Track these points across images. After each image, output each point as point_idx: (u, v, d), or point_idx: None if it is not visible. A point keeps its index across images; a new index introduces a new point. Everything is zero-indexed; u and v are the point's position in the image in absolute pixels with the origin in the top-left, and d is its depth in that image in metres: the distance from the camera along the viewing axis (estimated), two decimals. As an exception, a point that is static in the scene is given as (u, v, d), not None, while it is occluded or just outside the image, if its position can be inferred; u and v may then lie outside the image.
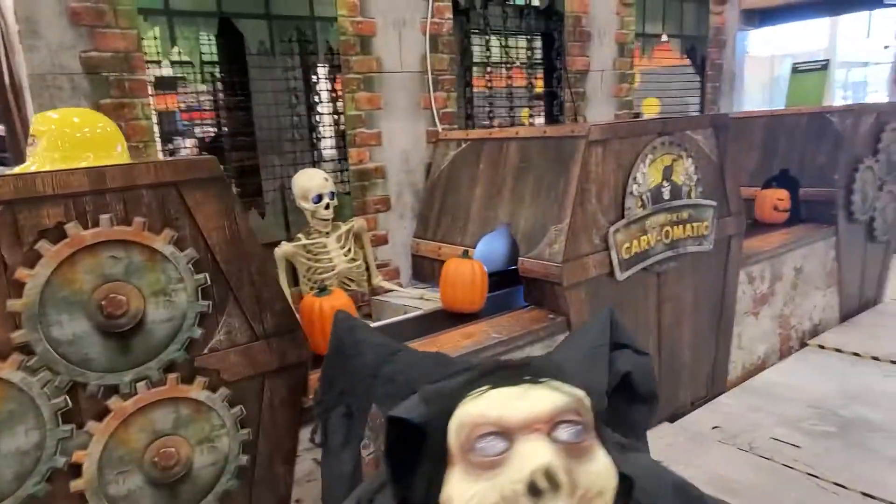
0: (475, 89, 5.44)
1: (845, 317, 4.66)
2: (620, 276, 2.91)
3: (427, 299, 3.19)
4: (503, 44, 5.15)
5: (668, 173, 3.09)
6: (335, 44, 3.09)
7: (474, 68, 5.46)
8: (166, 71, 4.28)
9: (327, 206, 2.95)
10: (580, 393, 0.88)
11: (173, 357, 1.75)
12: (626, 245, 2.93)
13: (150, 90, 2.66)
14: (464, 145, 3.33)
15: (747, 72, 6.44)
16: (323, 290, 2.51)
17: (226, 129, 3.99)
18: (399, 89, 3.31)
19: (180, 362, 1.77)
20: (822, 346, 4.17)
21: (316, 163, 3.70)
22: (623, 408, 1.80)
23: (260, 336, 1.92)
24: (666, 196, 3.10)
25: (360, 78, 3.16)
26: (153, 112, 2.73)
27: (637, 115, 5.58)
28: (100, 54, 2.45)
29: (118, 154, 1.87)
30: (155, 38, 2.91)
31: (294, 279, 3.04)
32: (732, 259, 3.55)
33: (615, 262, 2.88)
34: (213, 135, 4.31)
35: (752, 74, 5.78)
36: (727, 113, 5.17)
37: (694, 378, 3.45)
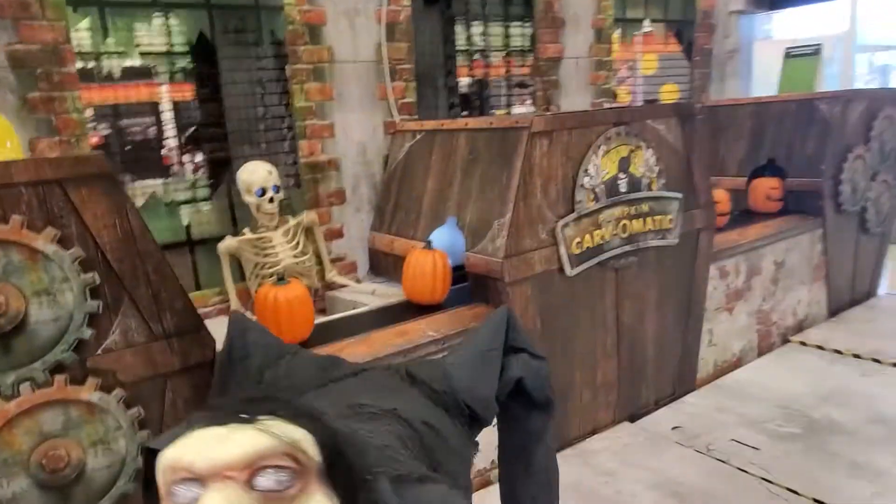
0: (459, 78, 5.37)
1: (834, 312, 4.49)
2: (571, 271, 2.82)
3: (379, 295, 3.13)
4: (485, 31, 5.05)
5: (624, 165, 2.98)
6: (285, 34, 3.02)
7: (458, 57, 5.39)
8: (136, 62, 4.27)
9: (271, 200, 2.90)
10: (297, 435, 0.79)
11: (60, 358, 1.72)
12: (577, 240, 2.83)
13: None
14: (418, 137, 3.25)
15: (764, 57, 6.18)
16: (281, 279, 2.46)
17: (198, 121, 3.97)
18: (353, 79, 3.24)
19: (69, 363, 1.74)
20: (803, 343, 4.03)
21: (288, 153, 3.64)
22: (521, 414, 1.73)
23: (159, 336, 1.88)
24: (623, 189, 2.99)
25: (310, 69, 3.09)
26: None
27: (653, 100, 5.41)
28: (26, 47, 2.42)
29: (7, 150, 1.83)
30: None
31: (242, 274, 3.01)
32: (701, 253, 3.43)
33: (564, 257, 2.79)
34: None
35: (770, 59, 5.50)
36: (692, 101, 5.00)
37: (658, 376, 3.35)
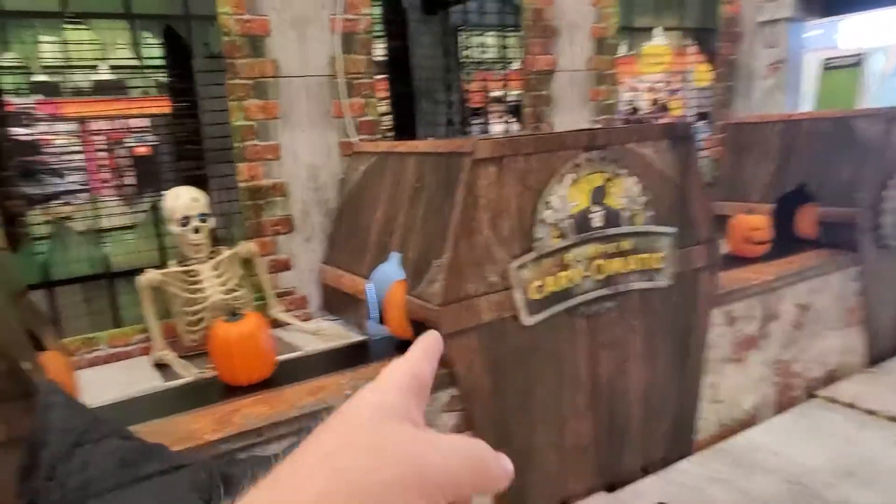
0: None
1: (875, 361, 3.89)
2: (528, 320, 2.41)
3: (322, 336, 2.79)
4: (483, 42, 4.70)
5: (598, 196, 2.55)
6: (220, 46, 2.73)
7: (462, 69, 5.05)
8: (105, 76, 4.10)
9: (197, 230, 2.60)
10: None
11: None
12: (537, 283, 2.42)
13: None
14: (373, 160, 2.90)
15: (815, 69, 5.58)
16: (234, 314, 2.30)
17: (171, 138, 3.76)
18: (302, 96, 2.93)
19: None
20: (832, 400, 3.47)
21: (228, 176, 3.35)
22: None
23: (-23, 404, 1.58)
24: (596, 223, 2.56)
25: (251, 84, 2.79)
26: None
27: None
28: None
29: None
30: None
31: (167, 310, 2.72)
32: (702, 296, 2.95)
33: (520, 303, 2.38)
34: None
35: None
36: (691, 120, 4.47)
37: (646, 438, 2.88)
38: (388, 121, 5.91)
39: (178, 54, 3.37)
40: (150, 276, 2.60)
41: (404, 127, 5.05)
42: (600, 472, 2.76)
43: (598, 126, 3.66)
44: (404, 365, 0.40)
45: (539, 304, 2.44)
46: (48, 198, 4.44)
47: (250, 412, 2.02)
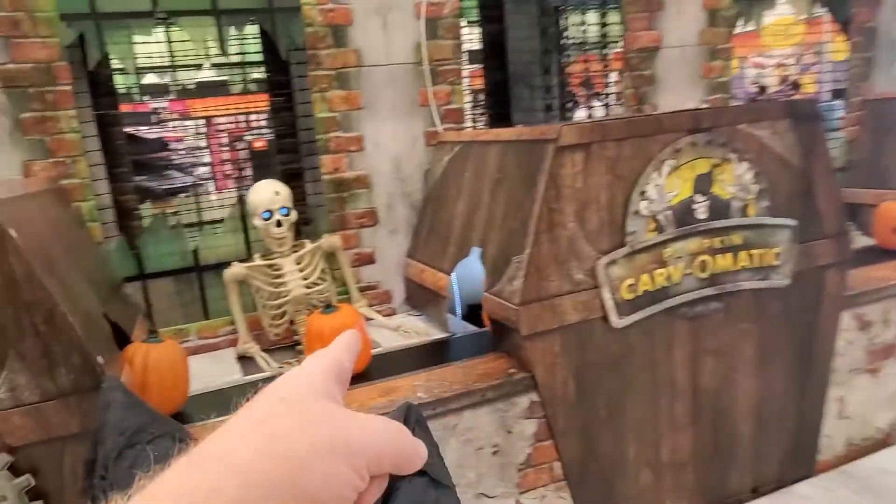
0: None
1: None
2: (619, 321, 2.20)
3: (403, 333, 2.72)
4: (584, 21, 4.43)
5: (703, 184, 2.28)
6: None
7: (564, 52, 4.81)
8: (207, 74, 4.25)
9: (279, 224, 2.60)
10: None
11: (-67, 416, 1.52)
12: (630, 282, 2.20)
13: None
14: (456, 149, 2.78)
15: None
16: (329, 306, 2.24)
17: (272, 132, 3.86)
18: (386, 85, 2.85)
19: (-58, 424, 1.54)
20: None
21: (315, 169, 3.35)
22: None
23: (54, 395, 1.63)
24: (701, 215, 2.29)
25: (333, 75, 2.75)
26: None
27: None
28: (17, 66, 2.33)
29: None
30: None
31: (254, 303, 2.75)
32: (829, 297, 2.59)
33: (609, 303, 2.17)
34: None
35: None
36: (820, 96, 3.90)
37: (758, 456, 2.57)
38: (481, 108, 5.77)
39: (271, 49, 3.41)
40: (235, 269, 2.63)
41: (499, 115, 4.89)
42: (701, 491, 2.49)
43: (705, 106, 3.31)
44: (328, 353, 0.43)
45: (631, 304, 2.22)
46: (160, 192, 4.70)
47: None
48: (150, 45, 3.38)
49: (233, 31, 3.11)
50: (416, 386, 2.10)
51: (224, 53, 2.90)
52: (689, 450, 2.44)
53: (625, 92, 3.36)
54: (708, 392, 2.43)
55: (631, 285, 2.21)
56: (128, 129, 5.98)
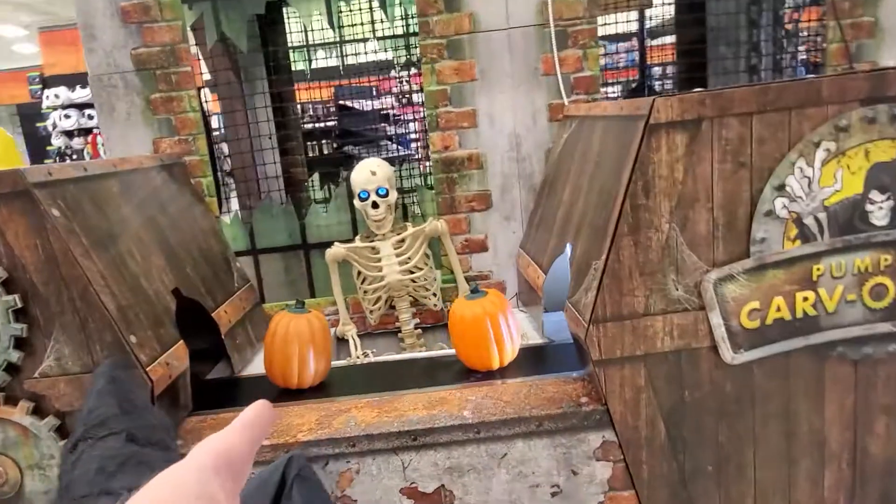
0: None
1: None
2: (735, 356, 1.68)
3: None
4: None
5: (883, 177, 1.61)
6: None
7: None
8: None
9: (375, 205, 2.47)
10: None
11: (-7, 377, 1.69)
12: (753, 306, 1.65)
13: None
14: (573, 126, 2.36)
15: None
16: (476, 291, 2.06)
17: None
18: (503, 52, 2.52)
19: (3, 383, 1.70)
20: None
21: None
22: None
23: (91, 369, 1.70)
24: (880, 220, 1.63)
25: (444, 44, 2.51)
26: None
27: None
28: (148, 49, 2.50)
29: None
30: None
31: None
32: None
33: (719, 331, 1.66)
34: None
35: None
36: None
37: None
38: (672, 72, 5.04)
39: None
40: (336, 249, 2.58)
41: (693, 78, 4.20)
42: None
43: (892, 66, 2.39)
44: (211, 443, 0.39)
45: (755, 335, 1.67)
46: (330, 163, 4.91)
47: (354, 416, 1.82)
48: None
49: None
50: (467, 401, 1.84)
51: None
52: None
53: (829, 46, 2.57)
54: (877, 461, 1.77)
55: (756, 311, 1.66)
56: (342, 102, 6.40)
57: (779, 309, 1.66)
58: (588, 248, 1.82)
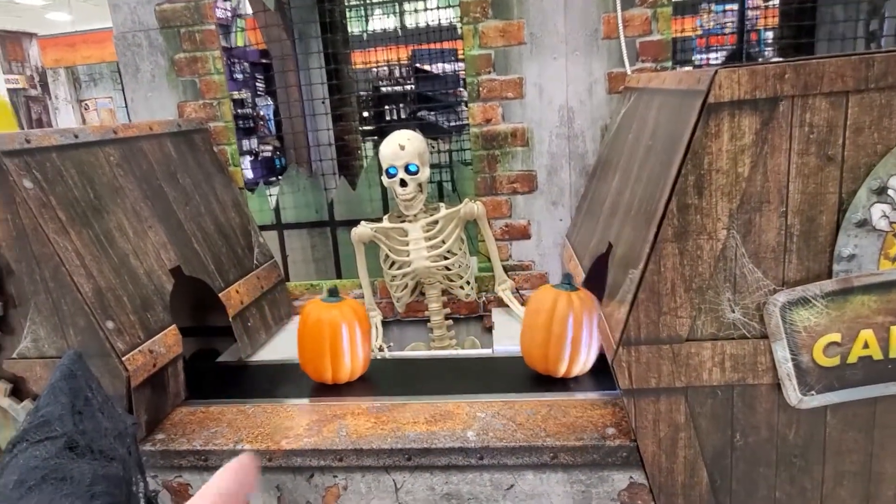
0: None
1: None
2: (801, 398, 1.34)
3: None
4: None
5: None
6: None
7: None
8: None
9: (404, 184, 2.23)
10: None
11: (-32, 354, 1.60)
12: (833, 338, 1.31)
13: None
14: (631, 99, 2.00)
15: None
16: (568, 283, 1.74)
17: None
18: (557, 11, 2.18)
19: (-20, 362, 1.61)
20: None
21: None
22: None
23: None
24: None
25: (488, 1, 2.20)
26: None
27: None
28: (172, 6, 2.33)
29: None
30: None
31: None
32: None
33: (785, 367, 1.33)
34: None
35: None
36: None
37: None
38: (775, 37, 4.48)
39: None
40: (362, 229, 2.37)
41: (799, 45, 3.66)
42: None
43: None
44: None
45: (832, 374, 1.32)
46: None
47: (346, 425, 1.62)
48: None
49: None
50: (475, 418, 1.60)
51: None
52: None
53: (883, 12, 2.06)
54: None
55: (836, 345, 1.31)
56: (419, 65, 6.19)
57: (866, 345, 1.30)
58: (627, 251, 1.51)
